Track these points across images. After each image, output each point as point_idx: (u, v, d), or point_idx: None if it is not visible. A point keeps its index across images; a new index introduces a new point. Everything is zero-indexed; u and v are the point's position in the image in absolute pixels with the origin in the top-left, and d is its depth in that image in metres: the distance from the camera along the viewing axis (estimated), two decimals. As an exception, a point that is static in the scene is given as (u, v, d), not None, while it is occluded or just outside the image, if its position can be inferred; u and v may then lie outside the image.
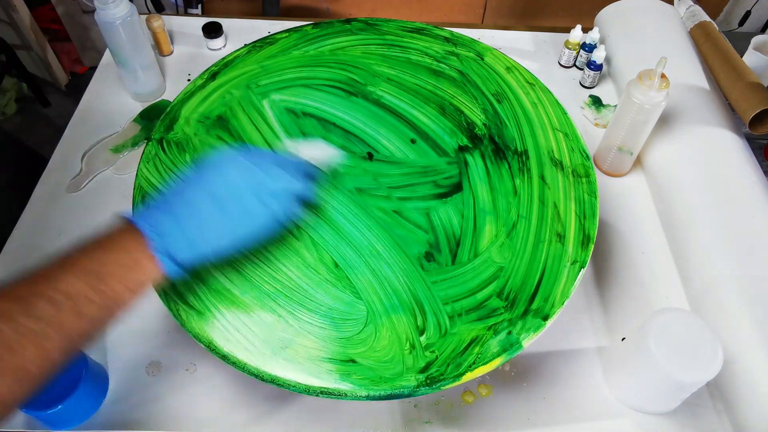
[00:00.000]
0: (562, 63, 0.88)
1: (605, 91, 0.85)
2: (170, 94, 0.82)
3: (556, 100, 0.63)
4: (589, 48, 0.85)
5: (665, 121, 0.72)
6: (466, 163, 0.57)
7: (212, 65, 0.64)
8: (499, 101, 0.62)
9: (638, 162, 0.76)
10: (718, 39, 0.80)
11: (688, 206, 0.65)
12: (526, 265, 0.50)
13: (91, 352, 0.57)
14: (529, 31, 0.95)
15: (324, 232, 0.52)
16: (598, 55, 0.82)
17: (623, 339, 0.59)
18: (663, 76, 0.64)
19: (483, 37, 0.92)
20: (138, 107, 0.80)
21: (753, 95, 0.68)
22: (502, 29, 0.95)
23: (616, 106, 0.82)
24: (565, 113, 0.61)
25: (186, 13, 1.37)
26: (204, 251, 0.42)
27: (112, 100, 0.81)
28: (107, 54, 0.87)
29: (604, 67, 0.87)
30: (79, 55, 1.70)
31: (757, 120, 0.68)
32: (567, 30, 0.90)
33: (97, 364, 0.55)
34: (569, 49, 0.86)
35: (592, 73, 0.84)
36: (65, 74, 1.72)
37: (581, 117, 0.82)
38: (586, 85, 0.85)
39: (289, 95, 0.61)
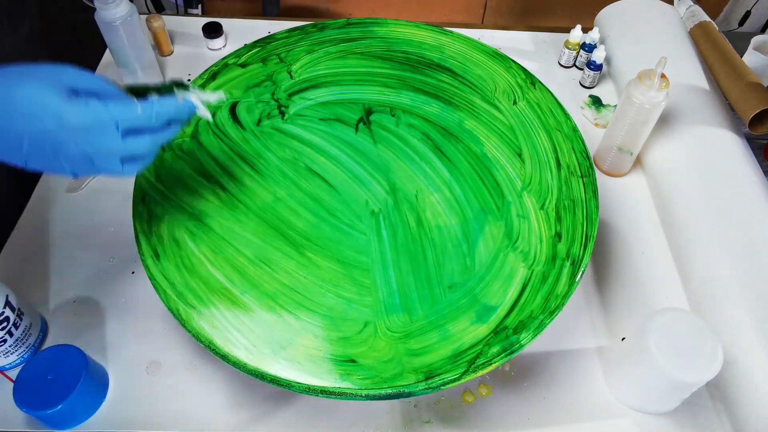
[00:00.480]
0: (562, 63, 0.88)
1: (605, 91, 0.85)
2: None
3: (556, 100, 0.63)
4: (588, 48, 0.85)
5: (665, 121, 0.72)
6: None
7: (212, 65, 0.64)
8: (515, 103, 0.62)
9: (638, 162, 0.76)
10: (718, 39, 0.80)
11: (688, 206, 0.65)
12: (526, 265, 0.51)
13: (91, 352, 0.57)
14: (529, 31, 0.95)
15: (329, 228, 0.52)
16: (598, 55, 0.82)
17: (623, 339, 0.59)
18: (663, 76, 0.64)
19: (483, 37, 0.92)
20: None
21: (753, 95, 0.68)
22: (502, 29, 0.95)
23: (616, 106, 0.82)
24: (566, 114, 0.61)
25: (186, 13, 1.37)
26: None
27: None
28: (107, 54, 0.87)
29: (604, 67, 0.87)
30: (80, 55, 1.71)
31: (757, 120, 0.68)
32: (567, 30, 0.90)
33: (97, 363, 0.55)
34: (569, 49, 0.86)
35: (591, 73, 0.84)
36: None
37: (581, 117, 0.82)
38: (586, 85, 0.85)
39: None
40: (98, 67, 0.86)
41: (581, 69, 0.87)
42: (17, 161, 0.38)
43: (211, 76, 0.63)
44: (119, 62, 0.77)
